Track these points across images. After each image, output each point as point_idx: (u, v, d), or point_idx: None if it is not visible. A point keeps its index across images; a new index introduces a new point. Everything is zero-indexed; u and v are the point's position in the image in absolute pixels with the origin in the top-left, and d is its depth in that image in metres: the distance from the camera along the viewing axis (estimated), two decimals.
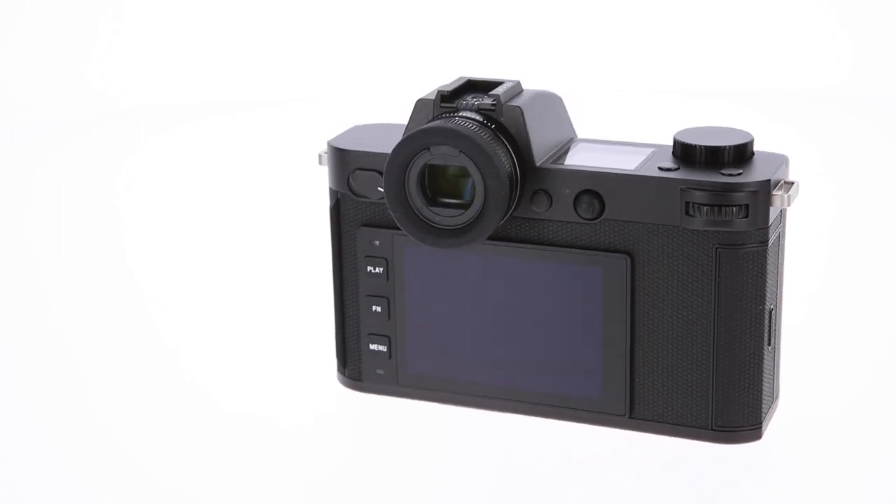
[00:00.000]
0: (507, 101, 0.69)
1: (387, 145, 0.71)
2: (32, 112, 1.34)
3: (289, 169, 1.12)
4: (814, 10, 1.42)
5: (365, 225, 0.72)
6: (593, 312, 0.70)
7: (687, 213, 0.67)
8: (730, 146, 0.68)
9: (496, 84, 0.71)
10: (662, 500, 0.66)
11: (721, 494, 0.67)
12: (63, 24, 1.43)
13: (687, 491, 0.67)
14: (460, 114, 0.69)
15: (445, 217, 0.69)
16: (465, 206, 0.68)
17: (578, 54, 1.42)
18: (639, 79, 1.39)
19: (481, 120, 0.68)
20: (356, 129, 0.75)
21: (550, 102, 0.71)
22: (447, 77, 0.74)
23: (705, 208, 0.66)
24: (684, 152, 0.69)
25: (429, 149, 0.68)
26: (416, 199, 0.69)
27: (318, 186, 0.83)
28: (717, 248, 0.67)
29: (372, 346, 0.74)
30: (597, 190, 0.68)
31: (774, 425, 0.71)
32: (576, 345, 0.71)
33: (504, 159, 0.67)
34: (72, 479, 0.68)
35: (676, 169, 0.68)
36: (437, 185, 0.69)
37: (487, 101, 0.69)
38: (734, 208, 0.66)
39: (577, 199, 0.68)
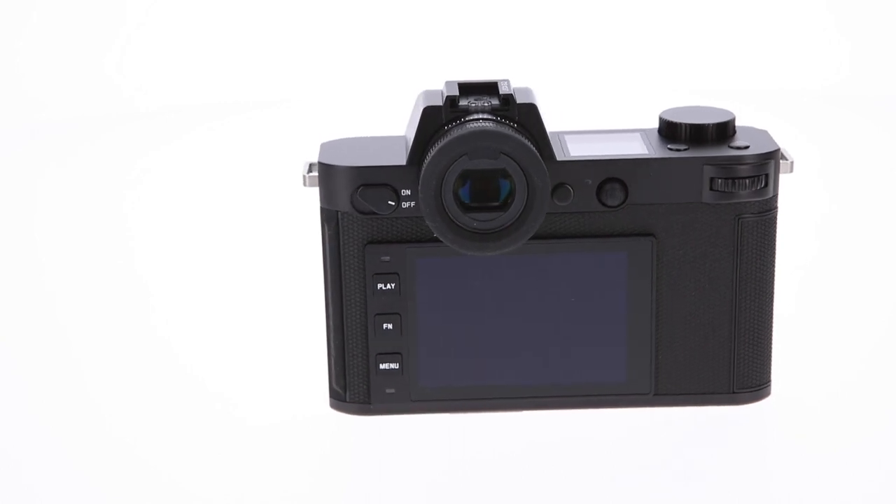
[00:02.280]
0: (518, 100, 0.69)
1: (389, 158, 0.70)
2: (45, 113, 1.32)
3: (263, 182, 1.11)
4: (813, 9, 1.45)
5: (371, 242, 0.71)
6: (618, 297, 0.71)
7: (711, 188, 0.69)
8: (727, 122, 0.71)
9: (489, 84, 0.70)
10: (703, 468, 0.69)
11: (754, 450, 0.71)
12: (75, 25, 1.41)
13: (722, 454, 0.70)
14: (474, 117, 0.68)
15: (482, 221, 0.68)
16: (500, 208, 0.68)
17: (572, 53, 1.42)
18: (637, 78, 1.38)
19: (501, 120, 0.68)
20: (331, 145, 0.72)
21: (538, 99, 0.72)
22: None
23: (730, 181, 0.69)
24: (673, 131, 0.71)
25: (467, 154, 0.67)
26: (453, 207, 0.68)
27: (295, 204, 0.83)
28: (737, 218, 0.70)
29: (382, 366, 0.72)
30: (620, 177, 0.69)
31: (776, 378, 0.75)
32: (600, 332, 0.72)
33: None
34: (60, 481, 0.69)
35: (686, 148, 0.70)
36: (474, 190, 0.69)
37: (496, 101, 0.69)
38: (757, 178, 0.70)
39: (600, 188, 0.69)
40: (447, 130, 0.68)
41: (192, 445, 0.72)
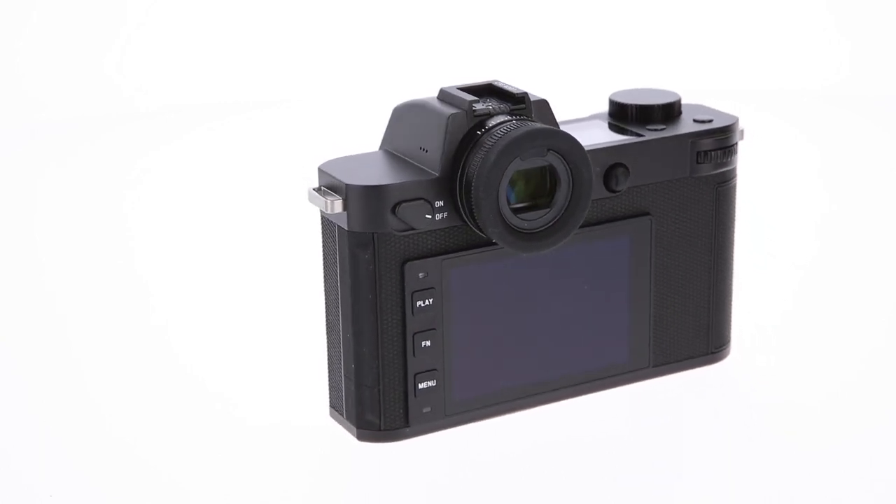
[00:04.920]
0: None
1: (411, 171, 0.68)
2: (45, 113, 1.32)
3: (263, 182, 1.11)
4: (813, 9, 1.43)
5: (409, 260, 0.69)
6: (622, 279, 0.73)
7: (697, 161, 0.73)
8: (679, 100, 0.75)
9: (486, 86, 0.70)
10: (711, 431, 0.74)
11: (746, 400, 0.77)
12: (75, 25, 1.41)
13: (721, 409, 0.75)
14: (500, 119, 0.68)
15: (531, 221, 0.68)
16: (546, 205, 0.69)
17: (575, 57, 1.41)
18: (636, 79, 1.36)
19: (527, 118, 0.69)
20: (335, 166, 0.70)
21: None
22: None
23: (715, 153, 0.74)
24: (622, 112, 0.74)
25: (520, 156, 0.67)
26: (506, 210, 0.68)
27: (294, 204, 0.83)
28: (716, 187, 0.75)
29: (421, 385, 0.70)
30: (623, 162, 0.71)
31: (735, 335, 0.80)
32: (607, 316, 0.74)
33: None
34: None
35: (663, 129, 0.73)
36: (525, 190, 0.69)
37: (510, 102, 0.69)
38: (731, 147, 0.74)
39: (607, 174, 0.71)
40: (481, 136, 0.68)
41: (188, 446, 0.72)
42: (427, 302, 0.69)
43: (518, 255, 0.70)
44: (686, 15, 1.43)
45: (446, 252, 0.69)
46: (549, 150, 0.67)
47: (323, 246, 0.71)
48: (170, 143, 1.26)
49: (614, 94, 0.76)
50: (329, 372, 0.72)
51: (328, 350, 0.72)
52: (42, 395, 0.78)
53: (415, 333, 0.69)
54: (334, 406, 0.72)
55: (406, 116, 0.70)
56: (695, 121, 0.74)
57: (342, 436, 0.72)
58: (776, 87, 1.36)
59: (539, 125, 0.67)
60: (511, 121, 0.68)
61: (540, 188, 0.69)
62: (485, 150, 0.66)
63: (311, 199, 0.69)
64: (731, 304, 0.78)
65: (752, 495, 0.67)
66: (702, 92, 0.98)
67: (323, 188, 0.69)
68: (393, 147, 0.71)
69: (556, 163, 0.68)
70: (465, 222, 0.69)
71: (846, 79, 1.38)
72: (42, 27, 1.42)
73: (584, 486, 0.69)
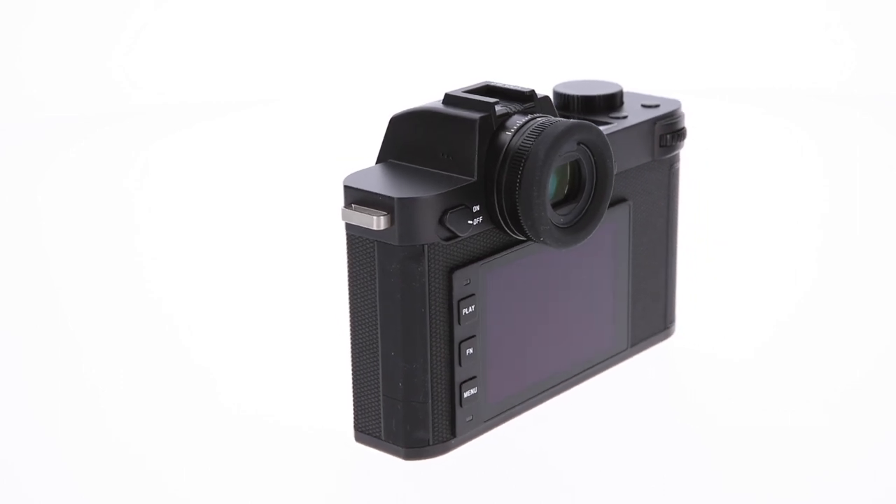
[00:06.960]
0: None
1: (442, 179, 0.67)
2: (43, 111, 1.33)
3: (266, 181, 1.10)
4: (814, 9, 1.44)
5: (455, 268, 0.68)
6: (609, 266, 0.75)
7: (660, 144, 0.76)
8: (617, 92, 0.77)
9: (484, 86, 0.70)
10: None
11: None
12: (74, 22, 1.41)
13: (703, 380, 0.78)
14: (517, 119, 0.68)
15: (565, 216, 0.69)
16: (575, 199, 0.69)
17: (575, 56, 1.39)
18: (638, 78, 1.27)
19: (540, 116, 0.69)
20: (364, 180, 0.68)
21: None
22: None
23: (674, 135, 0.76)
24: (567, 102, 0.76)
25: (559, 152, 0.66)
26: (549, 208, 0.67)
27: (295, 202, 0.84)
28: (670, 168, 0.78)
29: (466, 394, 0.69)
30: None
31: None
32: (600, 302, 0.75)
33: None
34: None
35: (625, 117, 0.75)
36: (558, 186, 0.68)
37: (519, 101, 0.69)
38: (682, 130, 0.77)
39: None
40: (512, 137, 0.67)
41: (194, 452, 0.71)
42: (471, 309, 0.69)
43: (535, 254, 0.70)
44: (685, 14, 1.43)
45: (480, 257, 0.69)
46: (579, 143, 0.68)
47: (351, 266, 0.68)
48: (168, 143, 1.26)
49: (559, 85, 0.77)
50: (356, 395, 0.70)
51: (356, 372, 0.69)
52: (42, 398, 0.78)
53: (461, 342, 0.69)
54: (364, 430, 0.70)
55: (413, 125, 0.69)
56: (643, 106, 0.76)
57: (381, 458, 0.70)
58: (776, 86, 1.35)
59: (571, 120, 0.68)
60: (534, 119, 0.68)
61: (563, 182, 0.69)
62: (526, 150, 0.66)
63: (346, 218, 0.67)
64: (675, 281, 0.81)
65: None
66: (701, 91, 0.96)
67: (355, 205, 0.67)
68: (400, 157, 0.69)
69: (582, 155, 0.69)
70: (497, 225, 0.68)
71: (849, 79, 1.37)
72: (42, 27, 1.42)
73: (622, 471, 0.70)
